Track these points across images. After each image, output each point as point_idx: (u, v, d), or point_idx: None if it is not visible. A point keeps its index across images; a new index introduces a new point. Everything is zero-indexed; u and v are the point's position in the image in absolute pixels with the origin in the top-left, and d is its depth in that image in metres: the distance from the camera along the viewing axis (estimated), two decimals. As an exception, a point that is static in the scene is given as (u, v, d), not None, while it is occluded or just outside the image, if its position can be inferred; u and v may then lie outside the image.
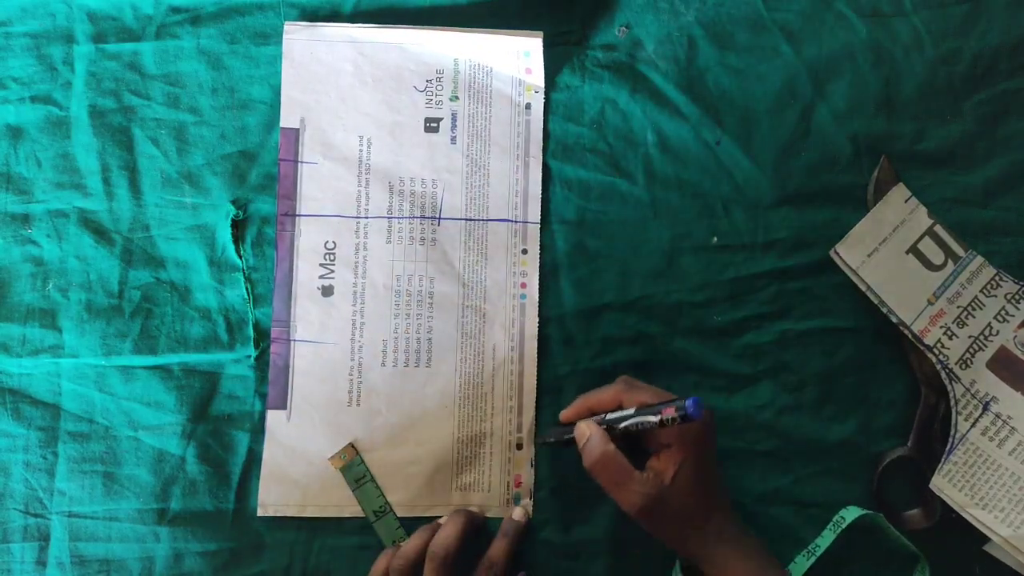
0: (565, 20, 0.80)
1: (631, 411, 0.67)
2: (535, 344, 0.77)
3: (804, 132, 0.79)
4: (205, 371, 0.76)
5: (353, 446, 0.76)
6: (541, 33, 0.78)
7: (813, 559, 0.74)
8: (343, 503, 0.75)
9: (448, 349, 0.77)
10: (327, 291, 0.77)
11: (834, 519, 0.76)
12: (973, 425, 0.76)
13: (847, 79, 0.80)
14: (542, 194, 0.79)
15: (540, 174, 0.79)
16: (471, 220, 0.78)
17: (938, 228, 0.78)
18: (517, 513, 0.75)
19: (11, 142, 0.77)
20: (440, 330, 0.77)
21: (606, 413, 0.70)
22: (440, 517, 0.75)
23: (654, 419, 0.64)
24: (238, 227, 0.77)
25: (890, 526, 0.75)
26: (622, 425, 0.67)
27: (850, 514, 0.75)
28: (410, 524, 0.75)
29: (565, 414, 0.74)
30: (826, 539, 0.75)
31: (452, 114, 0.78)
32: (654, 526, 0.68)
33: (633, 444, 0.69)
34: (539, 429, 0.77)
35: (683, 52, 0.80)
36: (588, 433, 0.69)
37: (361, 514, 0.75)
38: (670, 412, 0.63)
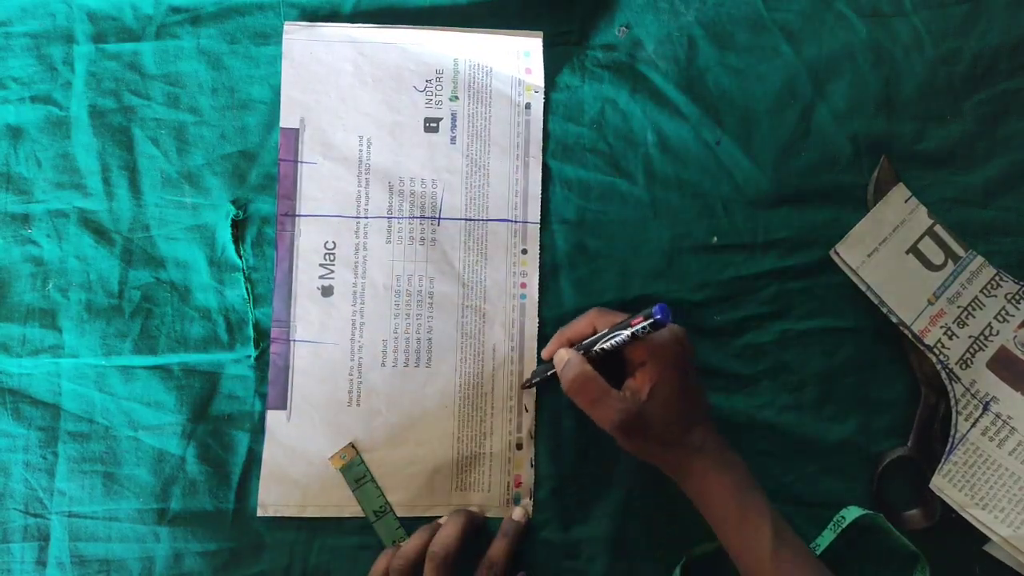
0: (565, 20, 0.80)
1: (604, 332, 0.68)
2: (535, 344, 0.77)
3: (804, 132, 0.79)
4: (205, 371, 0.76)
5: (353, 446, 0.76)
6: (541, 33, 0.78)
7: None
8: (343, 503, 0.75)
9: (448, 349, 0.77)
10: (327, 291, 0.77)
11: (834, 519, 0.76)
12: (973, 425, 0.76)
13: (847, 79, 0.80)
14: (542, 194, 0.79)
15: (540, 174, 0.79)
16: (471, 220, 0.78)
17: (938, 228, 0.78)
18: (517, 513, 0.75)
19: (11, 142, 0.77)
20: (440, 330, 0.77)
21: (583, 341, 0.71)
22: (440, 517, 0.75)
23: (626, 333, 0.65)
24: (238, 227, 0.77)
25: (890, 526, 0.75)
26: (596, 347, 0.68)
27: (850, 514, 0.75)
28: (410, 524, 0.75)
29: (545, 351, 0.75)
30: (826, 538, 0.75)
31: (452, 114, 0.78)
32: (632, 443, 0.68)
33: (613, 369, 0.70)
34: (539, 431, 0.77)
35: (683, 52, 0.80)
36: (566, 358, 0.70)
37: (361, 514, 0.75)
38: (639, 321, 0.64)
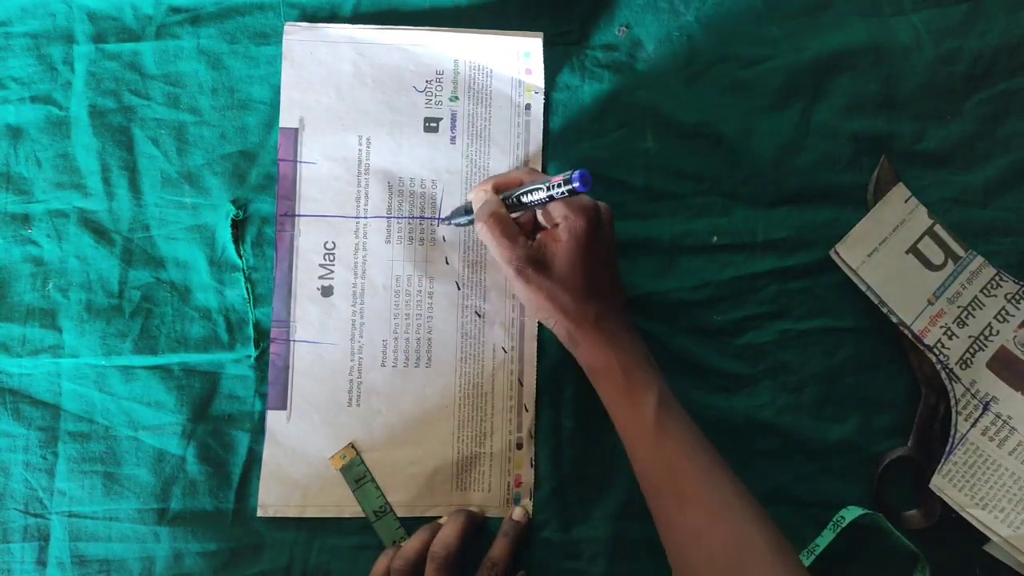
0: (565, 20, 0.80)
1: (525, 187, 0.68)
2: (535, 344, 0.78)
3: (804, 132, 0.79)
4: (205, 371, 0.76)
5: (353, 446, 0.76)
6: (541, 34, 0.78)
7: (812, 558, 0.74)
8: (343, 503, 0.75)
9: (448, 349, 0.77)
10: (327, 291, 0.77)
11: (834, 518, 0.76)
12: (973, 425, 0.76)
13: (847, 79, 0.80)
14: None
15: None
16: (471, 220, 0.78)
17: (938, 228, 0.78)
18: (517, 513, 0.75)
19: (11, 142, 0.77)
20: (440, 330, 0.77)
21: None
22: (440, 517, 0.75)
23: (542, 190, 0.66)
24: (238, 227, 0.77)
25: (890, 526, 0.75)
26: (515, 195, 0.69)
27: (850, 513, 0.75)
28: (410, 524, 0.75)
29: (470, 194, 0.75)
30: (825, 538, 0.75)
31: (452, 114, 0.78)
32: (529, 291, 0.69)
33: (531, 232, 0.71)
34: (539, 430, 0.77)
35: (683, 52, 0.80)
36: (484, 198, 0.71)
37: (361, 514, 0.75)
38: (557, 181, 0.64)
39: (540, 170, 0.78)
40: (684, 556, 0.66)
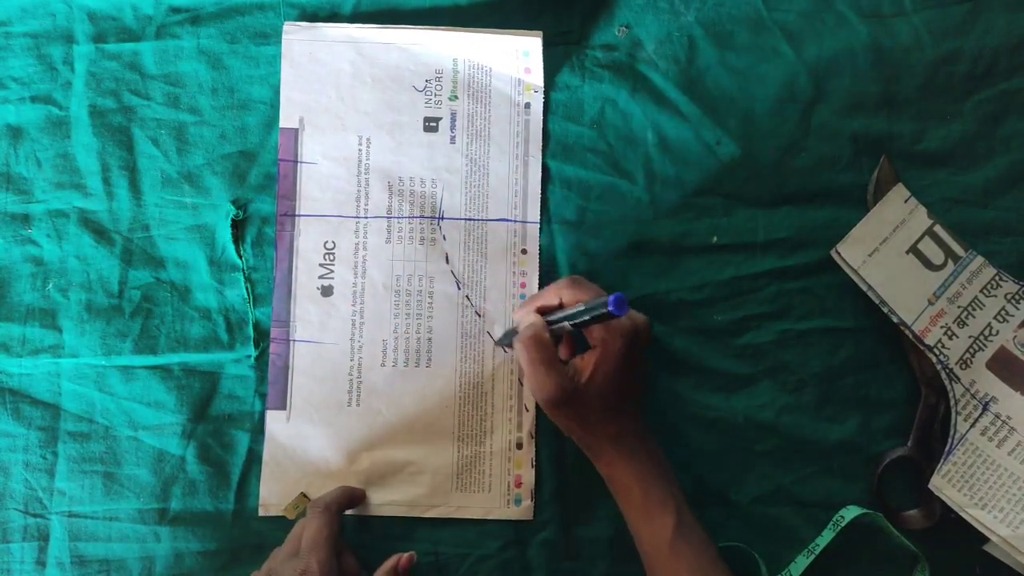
0: (565, 20, 0.80)
1: (563, 314, 0.69)
2: (535, 344, 0.77)
3: (804, 132, 0.79)
4: (205, 371, 0.76)
5: (305, 495, 0.76)
6: (540, 33, 0.78)
7: (812, 557, 0.74)
8: (343, 503, 0.75)
9: (448, 349, 0.77)
10: (327, 291, 0.77)
11: (834, 518, 0.76)
12: (973, 425, 0.76)
13: (847, 79, 0.80)
14: (542, 194, 0.79)
15: (540, 174, 0.79)
16: (471, 220, 0.78)
17: (938, 228, 0.78)
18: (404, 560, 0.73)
19: (11, 142, 0.77)
20: (440, 330, 0.77)
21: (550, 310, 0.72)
22: (438, 518, 0.75)
23: (580, 313, 0.66)
24: (238, 227, 0.77)
25: (890, 526, 0.75)
26: (553, 320, 0.70)
27: (850, 513, 0.75)
28: (411, 524, 0.76)
29: (514, 314, 0.75)
30: (825, 538, 0.75)
31: (451, 114, 0.78)
32: (555, 416, 0.71)
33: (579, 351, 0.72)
34: (540, 430, 0.77)
35: (683, 52, 0.80)
36: (529, 320, 0.71)
37: (360, 513, 0.75)
38: (593, 308, 0.65)
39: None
40: None
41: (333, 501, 0.72)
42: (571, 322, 0.68)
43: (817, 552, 0.74)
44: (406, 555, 0.72)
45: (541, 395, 0.69)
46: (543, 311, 0.72)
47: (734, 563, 0.73)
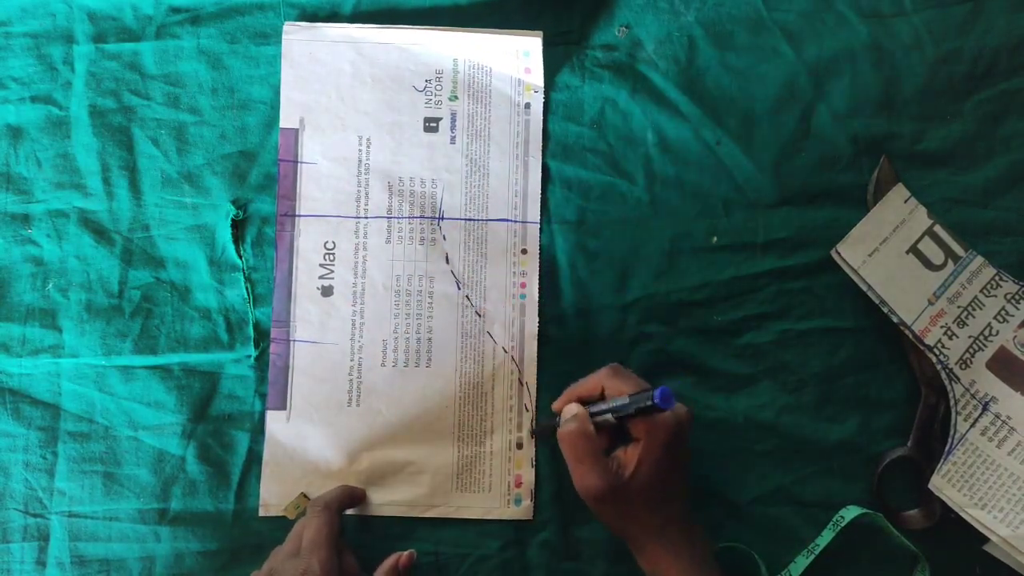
0: (565, 20, 0.80)
1: (606, 406, 0.69)
2: (535, 344, 0.77)
3: (804, 132, 0.79)
4: (205, 371, 0.76)
5: (305, 495, 0.76)
6: (540, 33, 0.78)
7: (812, 557, 0.74)
8: (343, 503, 0.75)
9: (448, 349, 0.77)
10: (327, 291, 0.77)
11: (834, 518, 0.76)
12: (972, 425, 0.76)
13: (847, 79, 0.80)
14: (542, 194, 0.79)
15: (540, 174, 0.79)
16: (471, 220, 0.78)
17: (938, 228, 0.78)
18: (403, 559, 0.74)
19: (11, 142, 0.77)
20: (440, 330, 0.77)
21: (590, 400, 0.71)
22: (438, 518, 0.75)
23: (625, 406, 0.66)
24: (238, 227, 0.77)
25: (890, 526, 0.75)
26: (596, 411, 0.69)
27: (849, 513, 0.75)
28: (411, 524, 0.76)
29: (555, 404, 0.74)
30: (825, 537, 0.75)
31: (451, 114, 0.78)
32: (599, 510, 0.69)
33: (618, 441, 0.70)
34: (537, 427, 0.77)
35: (683, 52, 0.80)
36: (575, 411, 0.70)
37: (360, 513, 0.75)
38: (638, 401, 0.65)
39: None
40: None
41: (333, 500, 0.72)
42: (615, 415, 0.67)
43: (817, 552, 0.74)
44: (406, 553, 0.72)
45: (586, 492, 0.68)
46: (584, 401, 0.71)
47: (734, 563, 0.73)
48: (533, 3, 0.79)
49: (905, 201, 0.78)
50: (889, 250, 0.77)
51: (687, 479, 0.71)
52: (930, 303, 0.77)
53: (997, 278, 0.78)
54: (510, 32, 0.78)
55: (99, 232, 0.77)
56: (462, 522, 0.76)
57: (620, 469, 0.67)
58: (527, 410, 0.77)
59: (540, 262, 0.78)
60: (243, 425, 0.76)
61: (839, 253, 0.77)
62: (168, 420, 0.76)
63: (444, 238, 0.78)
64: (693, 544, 0.69)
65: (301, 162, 0.77)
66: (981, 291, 0.77)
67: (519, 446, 0.77)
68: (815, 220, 0.79)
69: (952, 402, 0.76)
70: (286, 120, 0.77)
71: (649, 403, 0.63)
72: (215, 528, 0.75)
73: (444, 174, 0.78)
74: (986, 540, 0.75)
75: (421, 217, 0.78)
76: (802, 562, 0.75)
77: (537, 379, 0.77)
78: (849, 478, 0.77)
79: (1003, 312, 0.77)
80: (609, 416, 0.68)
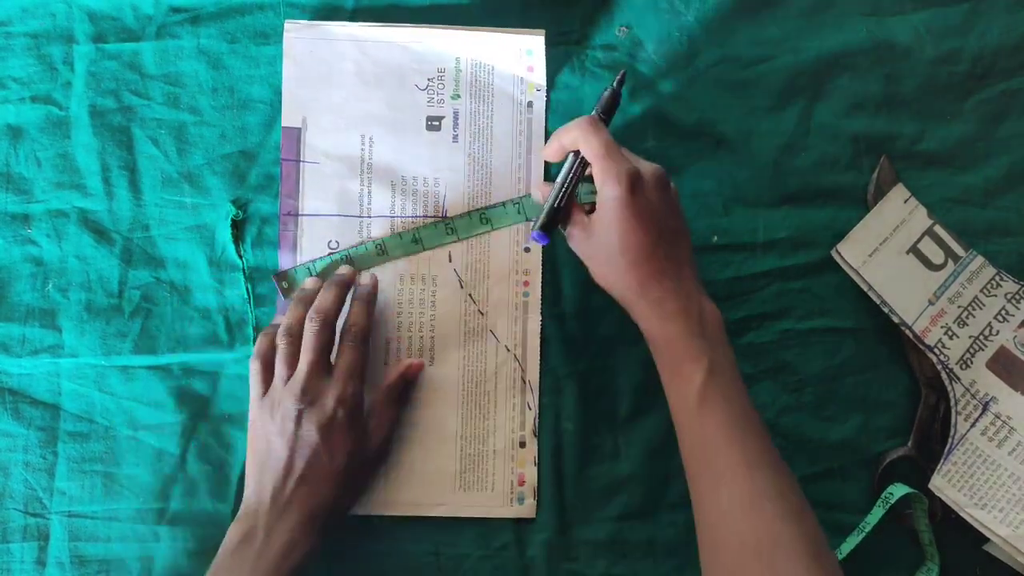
0: (565, 20, 0.80)
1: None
2: (538, 342, 0.77)
3: (804, 132, 0.80)
4: (205, 371, 0.76)
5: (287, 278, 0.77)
6: (543, 31, 0.78)
7: (863, 536, 0.75)
8: (344, 503, 0.75)
9: (451, 347, 0.77)
10: (328, 291, 0.77)
11: (883, 495, 0.76)
12: (973, 425, 0.76)
13: (847, 79, 0.80)
14: (543, 193, 0.79)
15: (542, 172, 0.78)
16: (473, 219, 0.78)
17: (938, 228, 0.78)
18: (364, 278, 0.75)
19: (11, 142, 0.77)
20: (443, 328, 0.77)
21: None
22: (442, 517, 0.76)
23: (566, 171, 0.70)
24: (238, 227, 0.77)
25: (925, 511, 0.76)
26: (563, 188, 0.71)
27: (899, 490, 0.75)
28: (412, 524, 0.76)
29: (546, 151, 0.74)
30: (875, 515, 0.75)
31: (454, 112, 0.78)
32: (583, 252, 0.70)
33: None
34: (542, 430, 0.77)
35: (683, 52, 0.80)
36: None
37: (360, 513, 0.75)
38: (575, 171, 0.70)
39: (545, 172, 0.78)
40: (713, 537, 0.64)
41: (367, 332, 0.73)
42: (563, 181, 0.70)
43: (867, 530, 0.75)
44: (417, 361, 0.76)
45: (575, 244, 0.71)
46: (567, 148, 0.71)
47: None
48: (533, 3, 0.79)
49: (905, 201, 0.78)
50: (889, 250, 0.77)
51: (676, 239, 0.69)
52: (930, 303, 0.77)
53: (997, 278, 0.78)
54: (513, 30, 0.78)
55: (99, 232, 0.77)
56: (463, 522, 0.76)
57: (595, 216, 0.68)
58: (529, 408, 0.77)
59: (542, 260, 0.78)
60: (243, 425, 0.76)
61: (839, 253, 0.77)
62: (168, 420, 0.76)
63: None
64: (687, 305, 0.67)
65: (304, 161, 0.77)
66: (981, 291, 0.78)
67: (522, 444, 0.77)
68: (815, 220, 0.79)
69: (952, 402, 0.76)
70: (288, 119, 0.77)
71: (582, 169, 0.66)
72: (215, 528, 0.74)
73: (447, 173, 0.78)
74: (986, 540, 0.76)
75: (424, 216, 0.78)
76: (852, 540, 0.76)
77: (540, 378, 0.77)
78: (849, 478, 0.78)
79: (1003, 312, 0.78)
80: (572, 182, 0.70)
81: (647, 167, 0.68)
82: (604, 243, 0.67)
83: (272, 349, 0.71)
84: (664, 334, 0.67)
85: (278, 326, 0.72)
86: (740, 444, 0.64)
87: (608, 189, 0.66)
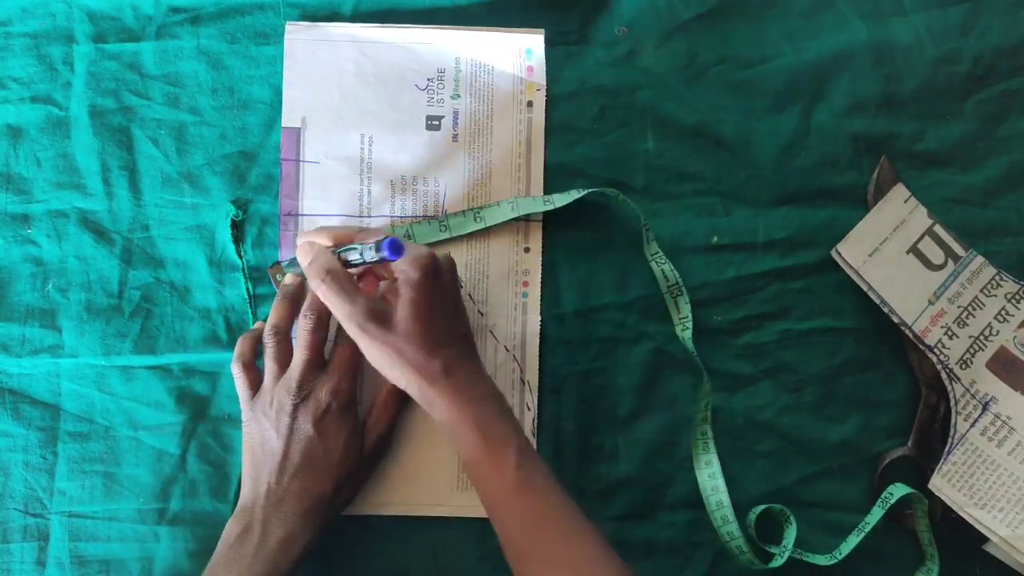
0: (565, 20, 0.79)
1: (350, 246, 0.67)
2: (537, 342, 0.77)
3: (804, 132, 0.80)
4: (205, 371, 0.76)
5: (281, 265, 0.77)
6: (543, 31, 0.78)
7: (862, 536, 0.76)
8: (344, 503, 0.75)
9: (450, 348, 0.77)
10: (328, 291, 0.77)
11: (883, 495, 0.76)
12: (972, 425, 0.76)
13: (847, 79, 0.80)
14: (544, 193, 0.78)
15: (542, 172, 0.78)
16: (472, 219, 0.78)
17: (938, 228, 0.78)
18: (287, 279, 0.75)
19: (11, 142, 0.77)
20: (442, 329, 0.77)
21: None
22: (438, 517, 0.75)
23: (358, 253, 0.65)
24: (238, 227, 0.77)
25: (925, 511, 0.76)
26: (339, 253, 0.67)
27: (898, 491, 0.76)
28: (411, 524, 0.76)
29: (300, 239, 0.73)
30: (875, 515, 0.76)
31: (454, 112, 0.78)
32: (375, 350, 0.66)
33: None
34: (540, 431, 0.77)
35: (683, 52, 0.80)
36: (311, 252, 0.69)
37: (360, 512, 0.75)
38: (370, 245, 0.64)
39: (537, 164, 0.78)
40: None
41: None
42: (350, 257, 0.67)
43: (867, 531, 0.76)
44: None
45: (352, 321, 0.65)
46: (337, 242, 0.70)
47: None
48: (533, 3, 0.79)
49: (905, 201, 0.78)
50: (889, 250, 0.77)
51: (463, 323, 0.71)
52: (930, 303, 0.77)
53: (997, 278, 0.78)
54: (512, 30, 0.78)
55: (99, 232, 0.77)
56: (462, 522, 0.76)
57: (384, 302, 0.67)
58: (529, 409, 0.77)
59: (542, 260, 0.78)
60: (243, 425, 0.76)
61: (839, 253, 0.77)
62: (168, 420, 0.76)
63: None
64: (486, 389, 0.69)
65: (303, 161, 0.77)
66: (981, 291, 0.78)
67: (521, 445, 0.77)
68: (815, 220, 0.79)
69: (952, 402, 0.76)
70: (288, 119, 0.77)
71: (379, 253, 0.63)
72: (215, 528, 0.74)
73: (446, 172, 0.78)
74: (986, 540, 0.76)
75: (424, 216, 0.78)
76: (852, 540, 0.76)
77: (539, 378, 0.77)
78: (849, 478, 0.78)
79: (1003, 312, 0.77)
80: (348, 256, 0.67)
81: (440, 252, 0.69)
82: (407, 327, 0.65)
83: (253, 352, 0.72)
84: (471, 417, 0.67)
85: (257, 330, 0.73)
86: (565, 520, 0.66)
87: (410, 273, 0.65)
